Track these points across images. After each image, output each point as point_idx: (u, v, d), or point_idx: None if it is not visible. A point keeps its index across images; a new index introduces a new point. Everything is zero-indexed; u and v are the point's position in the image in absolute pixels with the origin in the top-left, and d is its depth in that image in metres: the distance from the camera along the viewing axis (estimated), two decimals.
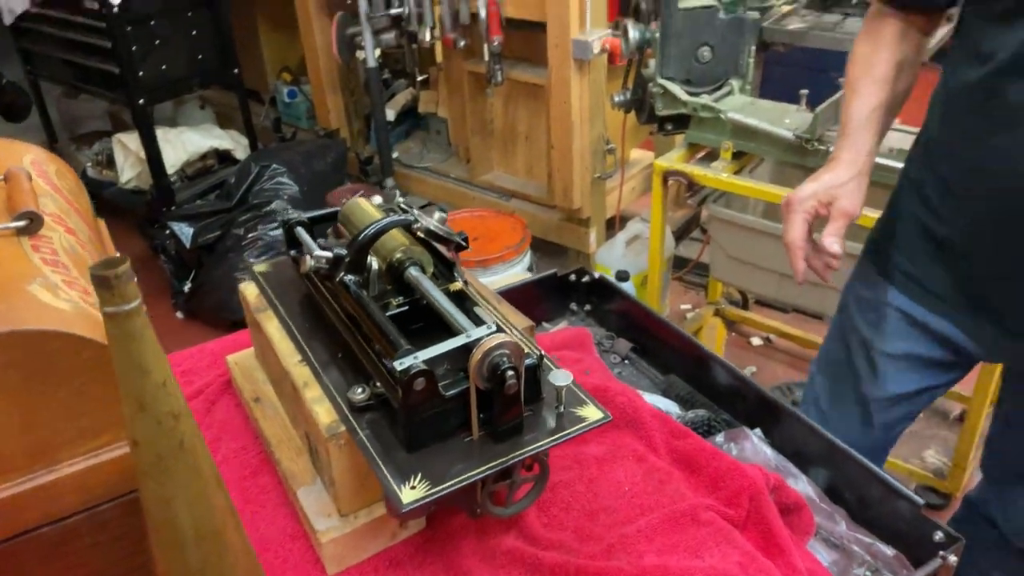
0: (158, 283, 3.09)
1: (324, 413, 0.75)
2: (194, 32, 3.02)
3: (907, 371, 1.21)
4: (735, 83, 2.19)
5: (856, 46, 1.15)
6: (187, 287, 2.91)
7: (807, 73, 2.45)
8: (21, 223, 0.68)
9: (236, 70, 3.17)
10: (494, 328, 0.71)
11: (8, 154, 0.87)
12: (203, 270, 2.82)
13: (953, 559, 0.87)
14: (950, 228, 1.07)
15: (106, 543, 0.65)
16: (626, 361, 1.24)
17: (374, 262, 0.80)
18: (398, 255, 0.81)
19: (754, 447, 1.03)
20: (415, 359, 0.68)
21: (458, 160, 3.31)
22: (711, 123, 2.13)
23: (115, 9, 2.71)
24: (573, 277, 1.35)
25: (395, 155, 3.30)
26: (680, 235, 2.83)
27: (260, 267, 0.97)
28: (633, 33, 2.22)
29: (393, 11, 2.85)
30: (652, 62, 2.26)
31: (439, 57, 3.45)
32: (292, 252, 0.91)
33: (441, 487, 0.67)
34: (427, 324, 0.80)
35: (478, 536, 0.80)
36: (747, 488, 0.85)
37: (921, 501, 0.91)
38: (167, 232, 2.95)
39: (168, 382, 0.44)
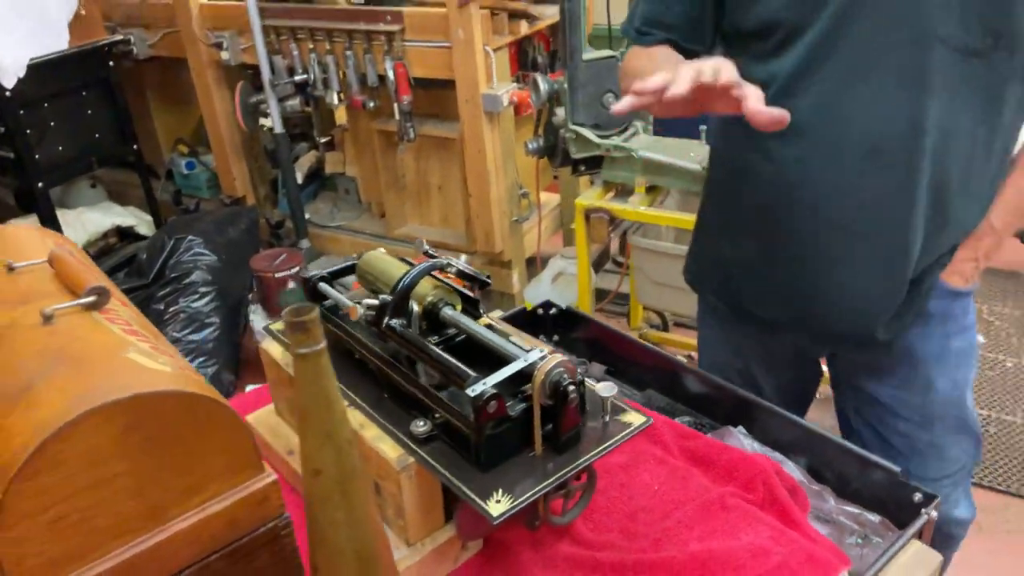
0: None
1: (389, 449, 0.80)
2: (89, 112, 2.96)
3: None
4: (639, 124, 2.38)
5: (624, 62, 1.21)
6: None
7: None
8: (91, 299, 0.71)
9: (135, 146, 3.12)
10: (546, 352, 0.78)
11: (22, 238, 0.88)
12: None
13: (934, 514, 0.99)
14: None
15: None
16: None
17: (413, 305, 0.86)
18: (431, 297, 0.87)
19: (740, 443, 1.14)
20: (484, 385, 0.74)
21: (371, 216, 3.36)
22: (623, 162, 2.29)
23: (7, 93, 2.63)
24: (540, 311, 1.43)
25: (307, 216, 3.31)
26: (595, 268, 2.98)
27: (276, 326, 1.00)
28: (543, 85, 2.36)
29: (297, 78, 2.91)
30: (559, 111, 2.42)
31: (339, 119, 3.52)
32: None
33: (522, 498, 0.73)
34: (462, 357, 0.86)
35: (534, 547, 0.86)
36: (759, 474, 0.95)
37: (897, 468, 1.04)
38: None
39: (345, 412, 0.49)
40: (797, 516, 0.93)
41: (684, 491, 0.93)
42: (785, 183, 1.12)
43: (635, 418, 0.82)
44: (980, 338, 2.69)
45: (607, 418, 0.82)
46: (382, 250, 0.98)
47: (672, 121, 2.81)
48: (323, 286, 0.94)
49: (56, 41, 2.75)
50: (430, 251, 0.92)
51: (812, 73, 1.03)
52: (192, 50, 3.11)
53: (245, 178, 3.38)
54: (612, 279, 2.88)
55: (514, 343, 0.83)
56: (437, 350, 0.81)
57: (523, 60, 2.87)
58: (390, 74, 2.68)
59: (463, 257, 1.29)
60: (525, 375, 0.77)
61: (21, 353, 0.65)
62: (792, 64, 1.04)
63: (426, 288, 0.87)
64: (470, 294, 0.91)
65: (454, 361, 0.78)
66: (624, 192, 2.38)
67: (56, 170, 2.89)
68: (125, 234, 3.31)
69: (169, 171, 3.69)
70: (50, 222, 2.87)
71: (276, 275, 2.66)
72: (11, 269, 0.77)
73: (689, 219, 2.16)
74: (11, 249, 0.84)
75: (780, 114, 0.84)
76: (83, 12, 2.85)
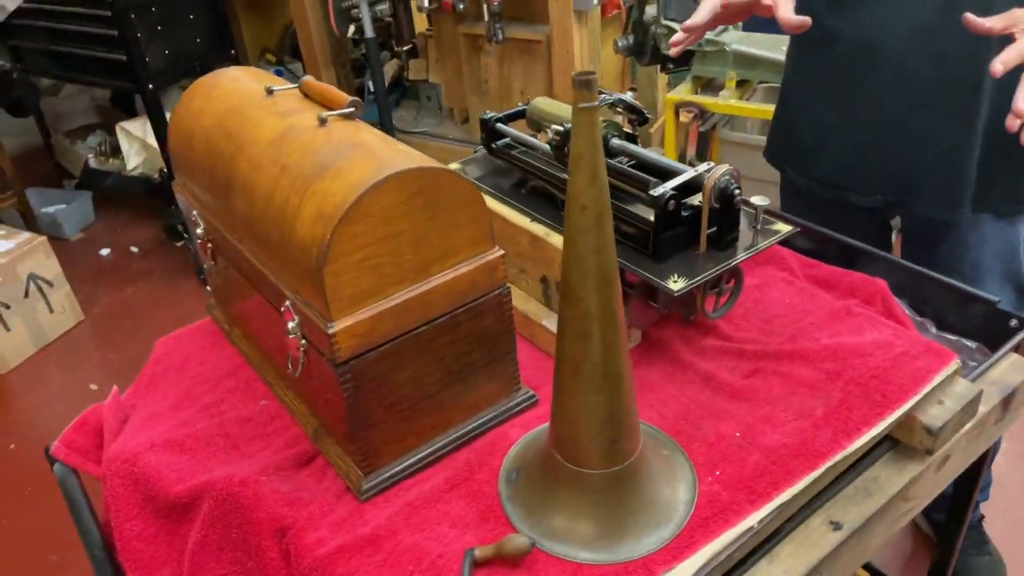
0: (178, 265, 3.19)
1: None
2: (191, 17, 3.11)
3: None
4: None
5: None
6: None
7: None
8: (351, 109, 0.87)
9: (233, 51, 3.27)
10: (711, 165, 0.93)
11: (244, 76, 1.04)
12: None
13: None
14: None
15: (458, 341, 0.85)
16: None
17: None
18: (603, 128, 1.02)
19: None
20: (665, 188, 0.89)
21: (454, 122, 3.49)
22: (714, 56, 2.38)
23: None
24: None
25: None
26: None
27: (453, 165, 1.16)
28: None
29: None
30: (650, 8, 2.50)
31: (418, 27, 3.63)
32: (494, 144, 1.11)
33: (696, 279, 0.89)
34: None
35: (684, 342, 1.03)
36: (877, 292, 1.10)
37: (996, 299, 1.17)
38: None
39: (604, 161, 0.64)
40: (911, 324, 1.07)
41: (811, 303, 1.08)
42: (865, 43, 1.23)
43: (782, 226, 0.97)
44: None
45: (759, 226, 0.97)
46: (544, 97, 1.12)
47: (757, 19, 2.89)
48: (500, 125, 1.09)
49: None
50: (602, 90, 1.06)
51: None
52: None
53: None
54: None
55: (681, 164, 0.98)
56: (619, 164, 0.96)
57: None
58: None
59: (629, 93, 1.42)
60: (694, 186, 0.92)
61: (312, 144, 0.81)
62: None
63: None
64: (629, 130, 1.06)
65: (636, 172, 0.93)
66: (712, 88, 2.48)
67: (164, 73, 3.06)
68: None
69: None
70: (160, 122, 3.06)
71: None
72: (270, 92, 0.93)
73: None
74: (241, 85, 1.00)
75: (802, 20, 1.07)
76: None
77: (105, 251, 3.34)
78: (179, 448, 0.94)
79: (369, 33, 3.13)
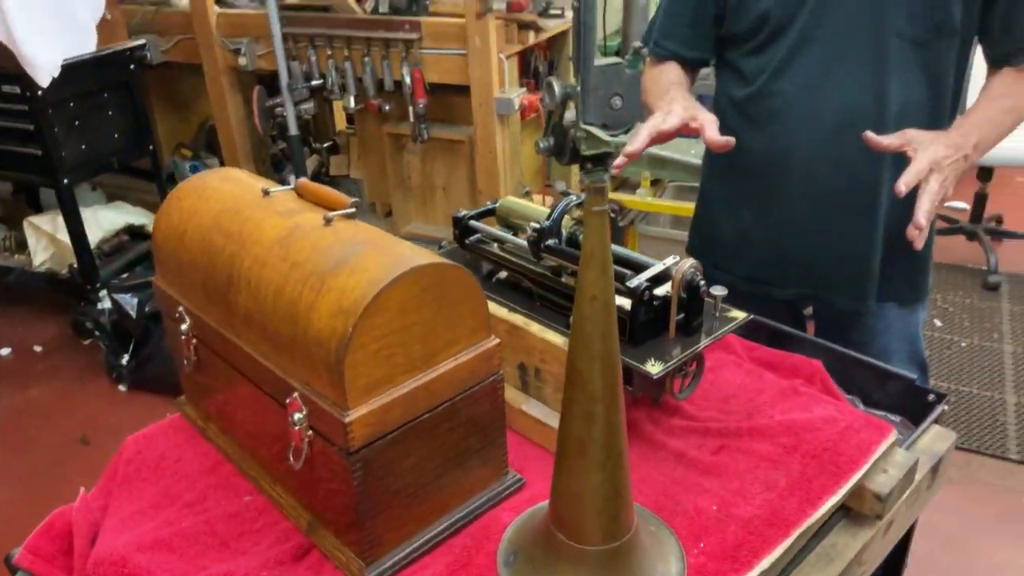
0: (87, 364, 3.07)
1: (553, 336, 1.02)
2: (110, 113, 3.09)
3: None
4: (640, 125, 2.66)
5: (644, 77, 1.46)
6: (126, 359, 2.93)
7: None
8: (352, 209, 0.92)
9: (152, 147, 3.26)
10: (677, 258, 1.03)
11: (238, 177, 1.08)
12: (150, 339, 2.86)
13: (946, 407, 1.26)
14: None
15: (457, 427, 0.89)
16: None
17: (563, 231, 1.09)
18: (572, 226, 1.11)
19: None
20: (640, 279, 0.98)
21: (375, 216, 3.56)
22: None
23: (39, 92, 2.76)
24: None
25: None
26: None
27: None
28: (557, 88, 2.61)
29: (313, 83, 3.11)
30: (567, 115, 2.68)
31: (339, 124, 3.73)
32: (467, 240, 1.18)
33: (671, 362, 0.97)
34: None
35: (654, 423, 1.10)
36: (816, 371, 1.21)
37: (913, 376, 1.31)
38: (98, 307, 2.97)
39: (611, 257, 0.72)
40: (847, 403, 1.19)
41: (762, 382, 1.18)
42: (776, 153, 1.39)
43: (738, 313, 1.07)
44: (937, 322, 3.04)
45: (717, 313, 1.06)
46: (512, 197, 1.21)
47: None
48: (473, 222, 1.17)
49: (85, 43, 2.89)
50: (568, 190, 1.16)
51: (796, 61, 1.32)
52: (207, 56, 3.28)
53: None
54: None
55: (645, 256, 1.07)
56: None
57: (525, 68, 3.14)
58: (407, 79, 2.91)
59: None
60: (663, 278, 1.01)
61: (321, 242, 0.86)
62: (780, 54, 1.33)
63: (567, 220, 1.11)
64: None
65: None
66: (628, 186, 2.66)
67: (79, 168, 3.01)
68: (135, 234, 3.43)
69: (172, 174, 3.83)
70: (73, 217, 2.99)
71: None
72: (267, 193, 0.98)
73: (687, 207, 2.44)
74: (232, 185, 1.04)
75: (727, 141, 1.16)
76: (108, 16, 3.00)
77: (6, 350, 3.17)
78: (167, 547, 0.92)
79: (293, 131, 3.19)
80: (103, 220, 3.27)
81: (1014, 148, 3.09)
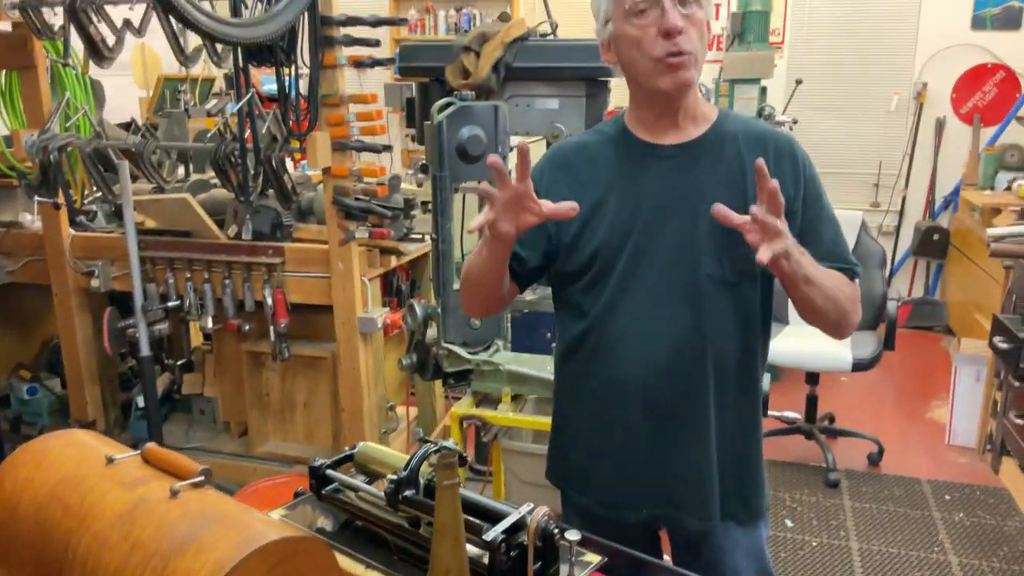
0: None
1: None
2: None
3: None
4: (500, 342, 2.78)
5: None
6: None
7: (544, 329, 3.13)
8: (201, 478, 0.90)
9: None
10: (532, 506, 1.06)
11: (82, 441, 1.05)
12: None
13: None
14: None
15: None
16: None
17: (421, 480, 1.10)
18: (429, 474, 1.12)
19: None
20: (496, 532, 1.00)
21: (229, 436, 3.42)
22: (490, 375, 2.65)
23: None
24: None
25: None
26: None
27: (277, 512, 1.19)
28: (419, 310, 2.72)
29: (170, 304, 3.07)
30: (429, 332, 2.78)
31: (194, 341, 3.66)
32: (324, 490, 1.16)
33: None
34: None
35: None
36: None
37: None
38: None
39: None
40: None
41: None
42: (615, 381, 1.49)
43: (593, 556, 1.10)
44: (788, 522, 3.18)
45: (573, 559, 1.09)
46: (370, 443, 1.22)
47: (526, 340, 3.27)
48: (330, 472, 1.16)
49: None
50: (426, 437, 1.18)
51: (625, 296, 1.46)
52: (57, 278, 3.19)
53: (97, 402, 3.37)
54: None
55: (502, 503, 1.10)
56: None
57: (387, 287, 3.25)
58: (268, 300, 2.93)
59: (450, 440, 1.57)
60: (519, 526, 1.04)
61: (167, 518, 0.83)
62: (609, 293, 1.47)
63: (424, 467, 1.13)
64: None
65: (467, 517, 1.03)
66: (489, 401, 2.72)
67: None
68: None
69: (6, 396, 3.57)
70: None
71: None
72: (111, 460, 0.95)
73: (547, 421, 2.52)
74: (76, 451, 1.01)
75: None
76: None
77: None
78: None
79: (145, 352, 3.09)
80: None
81: (835, 356, 3.44)
